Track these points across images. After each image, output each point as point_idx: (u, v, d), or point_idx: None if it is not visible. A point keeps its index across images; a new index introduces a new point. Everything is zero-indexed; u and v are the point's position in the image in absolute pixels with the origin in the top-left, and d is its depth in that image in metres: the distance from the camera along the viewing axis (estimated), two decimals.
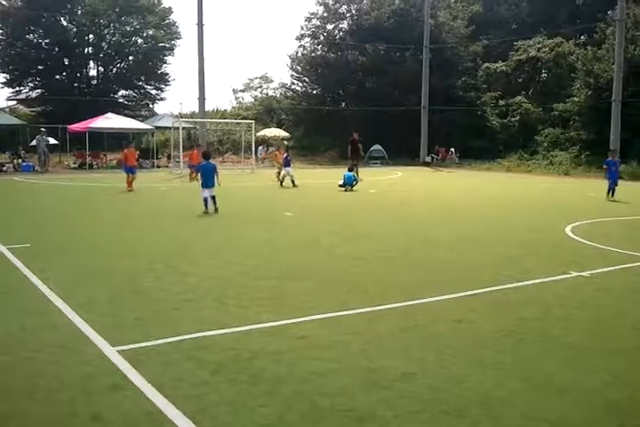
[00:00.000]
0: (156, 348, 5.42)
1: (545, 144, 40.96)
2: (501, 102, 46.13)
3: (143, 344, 5.48)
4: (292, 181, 22.88)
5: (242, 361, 5.13)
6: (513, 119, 44.74)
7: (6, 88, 52.56)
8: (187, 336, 5.69)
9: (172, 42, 55.40)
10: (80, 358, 5.17)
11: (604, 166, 21.07)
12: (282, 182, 23.27)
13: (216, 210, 14.93)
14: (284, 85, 56.12)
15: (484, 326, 6.19)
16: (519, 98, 45.31)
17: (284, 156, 24.14)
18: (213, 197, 15.04)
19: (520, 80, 48.71)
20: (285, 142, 44.51)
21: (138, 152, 25.06)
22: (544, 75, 48.81)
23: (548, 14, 50.80)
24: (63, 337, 5.71)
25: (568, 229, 12.68)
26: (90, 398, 4.44)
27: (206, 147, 34.48)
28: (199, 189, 15.51)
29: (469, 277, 8.31)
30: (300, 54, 51.06)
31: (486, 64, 48.83)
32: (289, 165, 23.57)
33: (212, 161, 16.34)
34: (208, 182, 15.12)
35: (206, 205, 14.96)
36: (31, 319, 6.23)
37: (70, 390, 4.57)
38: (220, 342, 5.58)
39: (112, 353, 5.26)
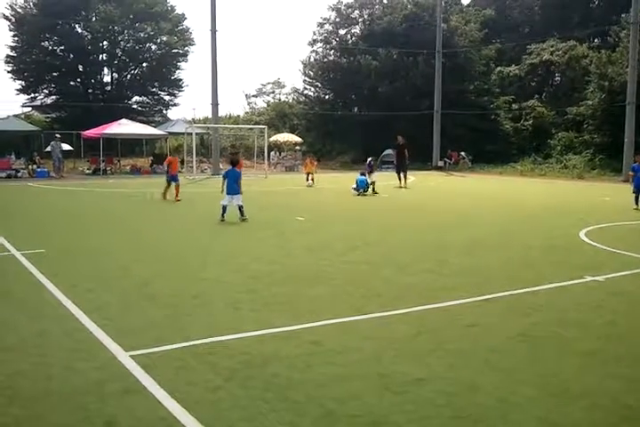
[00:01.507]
0: (169, 353, 5.43)
1: (559, 148, 40.77)
2: (514, 106, 45.96)
3: (156, 349, 5.49)
4: (373, 189, 22.06)
5: (255, 366, 5.12)
6: (526, 123, 44.55)
7: (21, 95, 53.04)
8: (199, 341, 5.69)
9: (186, 48, 55.67)
10: (93, 363, 5.18)
11: (631, 173, 18.33)
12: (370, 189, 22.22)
13: (243, 220, 14.32)
14: (296, 91, 56.37)
15: (498, 330, 6.15)
16: (532, 102, 45.13)
17: (368, 161, 23.33)
18: (240, 207, 14.45)
19: (533, 84, 48.52)
20: (298, 147, 44.73)
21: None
22: (557, 78, 48.60)
23: (560, 17, 50.61)
24: (76, 342, 5.73)
25: (582, 234, 12.59)
26: (103, 403, 4.44)
27: (219, 152, 34.65)
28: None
29: (483, 282, 8.27)
30: (312, 59, 51.18)
31: (499, 68, 48.72)
32: (372, 172, 22.86)
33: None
34: (231, 189, 14.58)
35: (223, 212, 14.43)
36: (44, 324, 6.26)
37: (84, 394, 4.58)
38: (233, 347, 5.57)
39: (125, 358, 5.27)
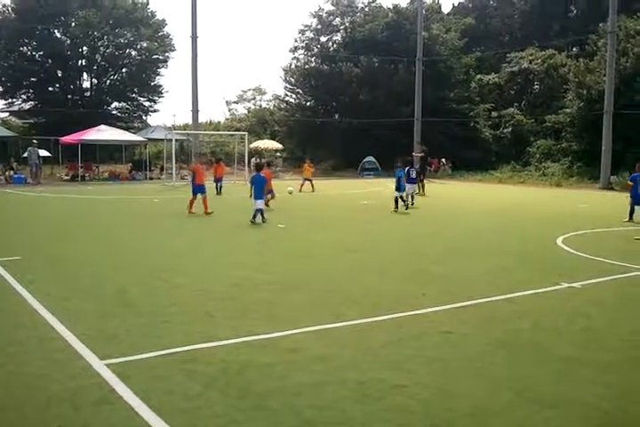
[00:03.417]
0: (146, 361, 5.38)
1: (537, 155, 41.16)
2: (494, 114, 46.37)
3: (132, 358, 5.44)
4: (412, 197, 20.27)
5: (232, 374, 5.09)
6: (505, 131, 44.96)
7: None
8: (176, 349, 5.64)
9: (166, 54, 55.65)
10: (68, 372, 5.12)
11: (630, 182, 16.50)
12: (406, 203, 19.82)
13: (253, 222, 15.04)
14: (277, 97, 56.45)
15: (475, 337, 6.17)
16: (511, 109, 45.58)
17: (407, 169, 20.10)
18: (260, 211, 15.23)
19: (512, 92, 49.02)
20: (278, 154, 44.70)
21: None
22: (536, 86, 49.16)
23: (539, 26, 51.29)
24: (52, 351, 5.66)
25: (560, 240, 12.69)
26: (78, 412, 4.39)
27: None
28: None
29: (461, 289, 8.30)
30: (293, 66, 51.35)
31: (479, 76, 49.17)
32: (414, 182, 20.64)
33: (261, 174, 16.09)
34: (258, 194, 15.35)
35: (262, 215, 15.29)
36: (19, 333, 6.18)
37: (58, 404, 4.52)
38: (210, 355, 5.53)
39: (101, 367, 5.21)
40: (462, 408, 4.50)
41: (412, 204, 20.18)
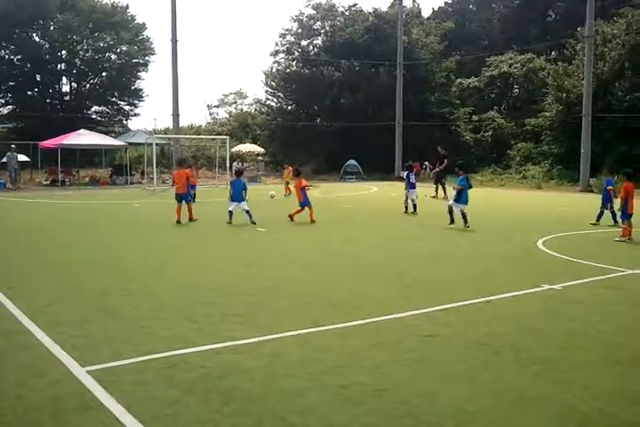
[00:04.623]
0: (127, 367, 5.35)
1: (517, 158, 41.50)
2: (474, 117, 46.66)
3: (113, 364, 5.40)
4: (414, 206, 19.11)
5: (213, 380, 5.07)
6: (486, 134, 45.27)
7: None
8: (157, 355, 5.61)
9: (146, 58, 55.46)
10: (48, 379, 5.07)
11: (610, 187, 15.98)
12: (407, 209, 19.36)
13: (252, 223, 15.63)
14: (258, 101, 56.48)
15: (456, 340, 6.20)
16: (492, 113, 45.94)
17: (406, 173, 19.69)
18: (247, 212, 15.83)
19: (492, 95, 49.44)
20: (260, 158, 44.65)
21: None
22: (516, 90, 49.61)
23: (519, 31, 51.78)
24: (31, 358, 5.60)
25: (540, 243, 12.80)
26: (58, 419, 4.36)
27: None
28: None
29: (442, 292, 8.34)
30: (274, 70, 51.37)
31: (459, 80, 49.47)
32: (414, 187, 19.30)
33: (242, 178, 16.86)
34: (236, 197, 16.04)
35: (230, 217, 15.88)
36: None
37: (38, 412, 4.48)
38: (192, 361, 5.51)
39: (81, 373, 5.17)
40: (443, 411, 4.53)
41: (415, 212, 19.07)
